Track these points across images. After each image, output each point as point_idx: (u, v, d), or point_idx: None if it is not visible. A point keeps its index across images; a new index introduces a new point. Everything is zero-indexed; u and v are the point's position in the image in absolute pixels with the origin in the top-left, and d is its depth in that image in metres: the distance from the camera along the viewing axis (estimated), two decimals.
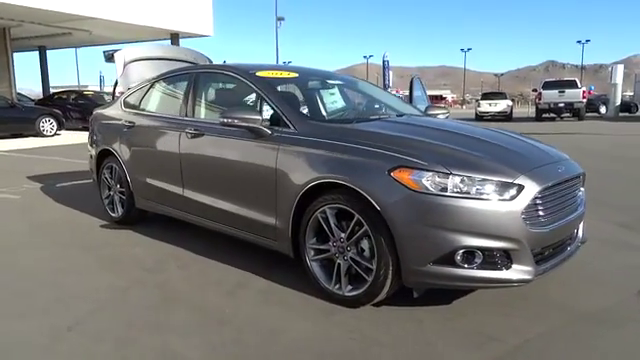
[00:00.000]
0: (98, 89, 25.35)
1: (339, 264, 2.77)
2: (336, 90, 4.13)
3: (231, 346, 2.37)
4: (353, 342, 2.39)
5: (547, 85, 22.35)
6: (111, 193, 4.70)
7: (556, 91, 21.54)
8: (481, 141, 2.94)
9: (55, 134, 15.17)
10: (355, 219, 2.65)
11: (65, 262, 3.62)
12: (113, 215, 4.68)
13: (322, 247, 2.87)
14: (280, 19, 35.24)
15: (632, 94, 32.65)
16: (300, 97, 3.63)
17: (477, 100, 30.13)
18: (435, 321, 2.60)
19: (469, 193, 2.42)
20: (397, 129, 3.09)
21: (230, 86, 3.96)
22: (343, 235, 2.73)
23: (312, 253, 2.91)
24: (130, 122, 4.38)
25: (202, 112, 3.83)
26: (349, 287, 2.75)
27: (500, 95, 27.05)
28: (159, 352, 2.31)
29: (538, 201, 2.51)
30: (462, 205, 2.40)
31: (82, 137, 14.70)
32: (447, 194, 2.42)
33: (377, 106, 4.02)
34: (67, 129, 16.15)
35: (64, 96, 18.42)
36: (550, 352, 2.29)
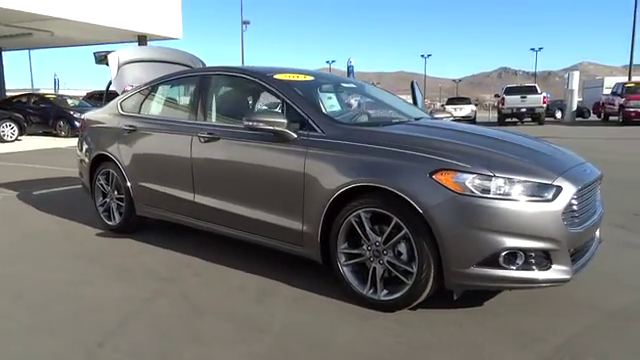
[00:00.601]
0: (53, 92, 24.20)
1: (374, 268, 2.75)
2: (351, 93, 4.12)
3: (278, 355, 2.30)
4: (401, 346, 2.37)
5: (510, 91, 23.15)
6: (107, 200, 4.51)
7: (518, 96, 22.33)
8: (511, 144, 2.99)
9: (16, 139, 14.47)
10: (393, 222, 2.63)
11: (73, 273, 3.44)
12: (109, 223, 4.49)
13: (355, 252, 2.84)
14: (246, 22, 35.06)
15: (581, 99, 34.14)
16: (321, 100, 3.59)
17: (443, 105, 30.91)
18: (474, 322, 2.61)
19: (512, 195, 2.45)
20: (426, 132, 3.10)
21: (245, 89, 3.88)
22: (379, 239, 2.71)
23: (343, 258, 2.88)
24: (130, 126, 4.21)
25: (215, 116, 3.73)
26: (384, 291, 2.73)
27: (465, 100, 27.86)
28: None
29: (574, 202, 2.58)
30: (505, 207, 2.43)
31: (45, 143, 14.15)
32: (490, 196, 2.44)
33: (390, 109, 4.02)
34: (28, 134, 15.43)
35: (24, 100, 17.57)
36: (594, 349, 2.34)
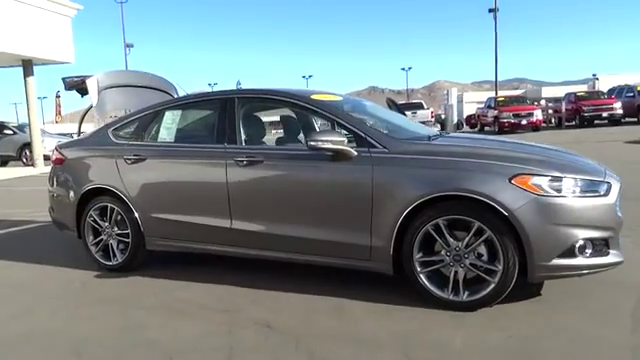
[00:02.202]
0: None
1: (455, 272, 2.94)
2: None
3: None
4: (513, 339, 2.57)
5: (402, 107, 25.03)
6: (103, 238, 4.11)
7: (410, 112, 24.22)
8: (551, 150, 3.40)
9: None
10: (475, 227, 2.85)
11: (118, 319, 3.11)
12: (107, 263, 4.09)
13: (431, 259, 3.00)
14: (129, 46, 33.39)
15: (442, 113, 37.85)
16: (364, 118, 3.69)
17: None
18: (559, 312, 2.88)
19: (578, 192, 2.82)
20: (478, 143, 3.39)
21: (282, 111, 3.85)
22: (459, 244, 2.91)
23: (419, 267, 3.02)
24: (135, 155, 3.92)
25: (252, 139, 3.65)
26: (466, 292, 2.93)
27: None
28: None
29: (617, 195, 3.02)
30: (576, 203, 2.78)
31: None
32: (563, 194, 2.78)
33: (394, 124, 4.18)
34: None
35: None
36: None
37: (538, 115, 22.12)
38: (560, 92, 33.05)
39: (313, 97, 3.53)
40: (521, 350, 2.46)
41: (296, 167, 3.36)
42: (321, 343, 2.63)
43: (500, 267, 2.82)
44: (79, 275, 4.06)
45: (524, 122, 21.79)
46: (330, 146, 3.10)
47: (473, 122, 29.04)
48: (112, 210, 4.04)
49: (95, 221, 4.13)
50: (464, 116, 33.27)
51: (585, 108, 21.60)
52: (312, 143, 3.10)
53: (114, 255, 4.08)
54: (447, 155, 3.03)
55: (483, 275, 2.89)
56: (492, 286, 2.86)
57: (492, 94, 30.55)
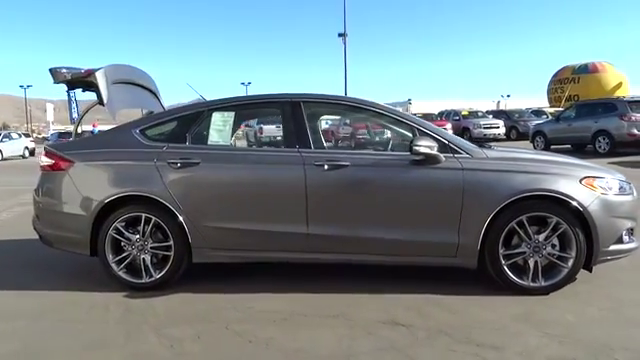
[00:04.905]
0: None
1: (536, 261, 3.40)
2: None
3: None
4: (605, 311, 3.11)
5: (262, 121, 25.47)
6: (133, 253, 3.62)
7: (274, 126, 24.74)
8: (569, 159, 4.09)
9: None
10: (554, 221, 3.35)
11: (232, 337, 2.84)
12: (137, 281, 3.63)
13: (515, 252, 3.41)
14: None
15: None
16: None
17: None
18: (615, 295, 3.49)
19: (619, 190, 3.52)
20: (527, 152, 3.93)
21: (361, 119, 3.87)
22: (540, 237, 3.38)
23: (503, 260, 3.41)
24: (184, 159, 3.57)
25: (332, 144, 3.63)
26: (543, 279, 3.41)
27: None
28: None
29: None
30: (622, 199, 3.48)
31: None
32: (615, 192, 3.46)
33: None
34: None
35: None
36: None
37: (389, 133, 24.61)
38: None
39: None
40: (619, 319, 3.01)
41: (384, 171, 3.49)
42: (469, 332, 2.83)
43: (573, 254, 3.37)
44: (105, 299, 3.50)
45: (377, 139, 24.07)
46: (429, 151, 3.32)
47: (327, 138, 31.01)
48: (147, 221, 3.59)
49: (120, 235, 3.61)
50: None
51: None
52: (416, 149, 3.29)
53: (148, 272, 3.61)
54: (522, 160, 3.51)
55: (558, 262, 3.40)
56: (566, 271, 3.39)
57: None
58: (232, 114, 3.78)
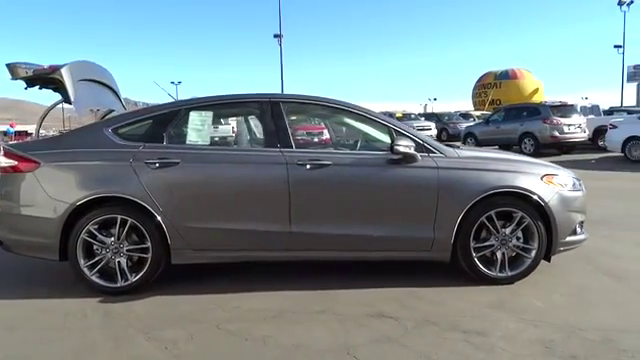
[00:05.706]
0: None
1: (503, 253, 3.66)
2: None
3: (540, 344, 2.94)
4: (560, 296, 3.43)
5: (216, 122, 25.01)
6: (107, 256, 3.49)
7: (229, 126, 24.39)
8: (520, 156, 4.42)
9: None
10: (519, 215, 3.63)
11: (229, 337, 2.82)
12: (112, 285, 3.50)
13: (484, 245, 3.65)
14: None
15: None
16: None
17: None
18: (573, 283, 3.87)
19: (572, 187, 3.87)
20: (492, 152, 4.19)
21: (338, 120, 3.93)
22: (506, 230, 3.65)
23: (474, 252, 3.65)
24: (162, 159, 3.49)
25: (301, 142, 3.69)
26: (509, 269, 3.68)
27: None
28: None
29: None
30: (575, 195, 3.83)
31: None
32: (569, 189, 3.80)
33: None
34: None
35: None
36: None
37: (327, 134, 24.99)
38: None
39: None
40: (580, 302, 3.33)
41: (364, 170, 3.60)
42: (453, 321, 3.01)
43: (535, 245, 3.67)
44: (77, 305, 3.35)
45: (316, 140, 24.36)
46: (408, 151, 3.49)
47: None
48: (123, 223, 3.47)
49: (92, 239, 3.47)
50: None
51: None
52: (397, 148, 3.44)
53: (123, 276, 3.49)
54: (492, 160, 3.77)
55: (522, 253, 3.69)
56: (529, 261, 3.68)
57: None
58: (210, 113, 3.74)
